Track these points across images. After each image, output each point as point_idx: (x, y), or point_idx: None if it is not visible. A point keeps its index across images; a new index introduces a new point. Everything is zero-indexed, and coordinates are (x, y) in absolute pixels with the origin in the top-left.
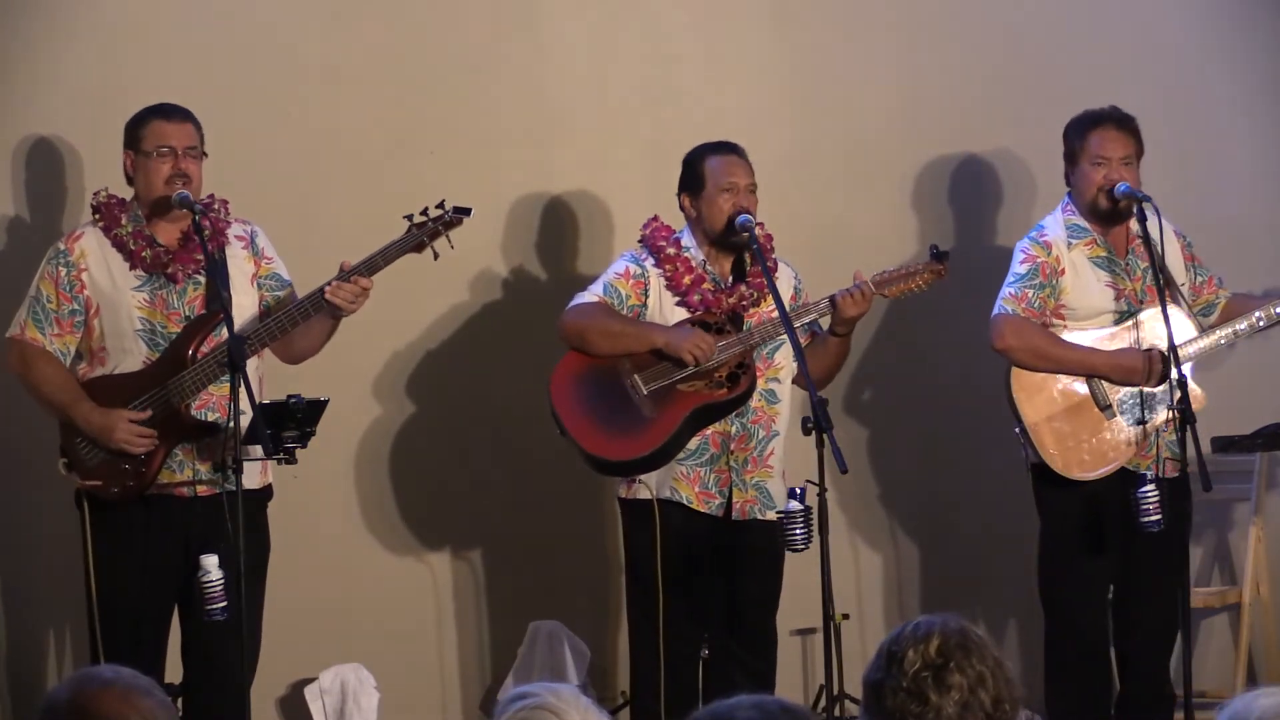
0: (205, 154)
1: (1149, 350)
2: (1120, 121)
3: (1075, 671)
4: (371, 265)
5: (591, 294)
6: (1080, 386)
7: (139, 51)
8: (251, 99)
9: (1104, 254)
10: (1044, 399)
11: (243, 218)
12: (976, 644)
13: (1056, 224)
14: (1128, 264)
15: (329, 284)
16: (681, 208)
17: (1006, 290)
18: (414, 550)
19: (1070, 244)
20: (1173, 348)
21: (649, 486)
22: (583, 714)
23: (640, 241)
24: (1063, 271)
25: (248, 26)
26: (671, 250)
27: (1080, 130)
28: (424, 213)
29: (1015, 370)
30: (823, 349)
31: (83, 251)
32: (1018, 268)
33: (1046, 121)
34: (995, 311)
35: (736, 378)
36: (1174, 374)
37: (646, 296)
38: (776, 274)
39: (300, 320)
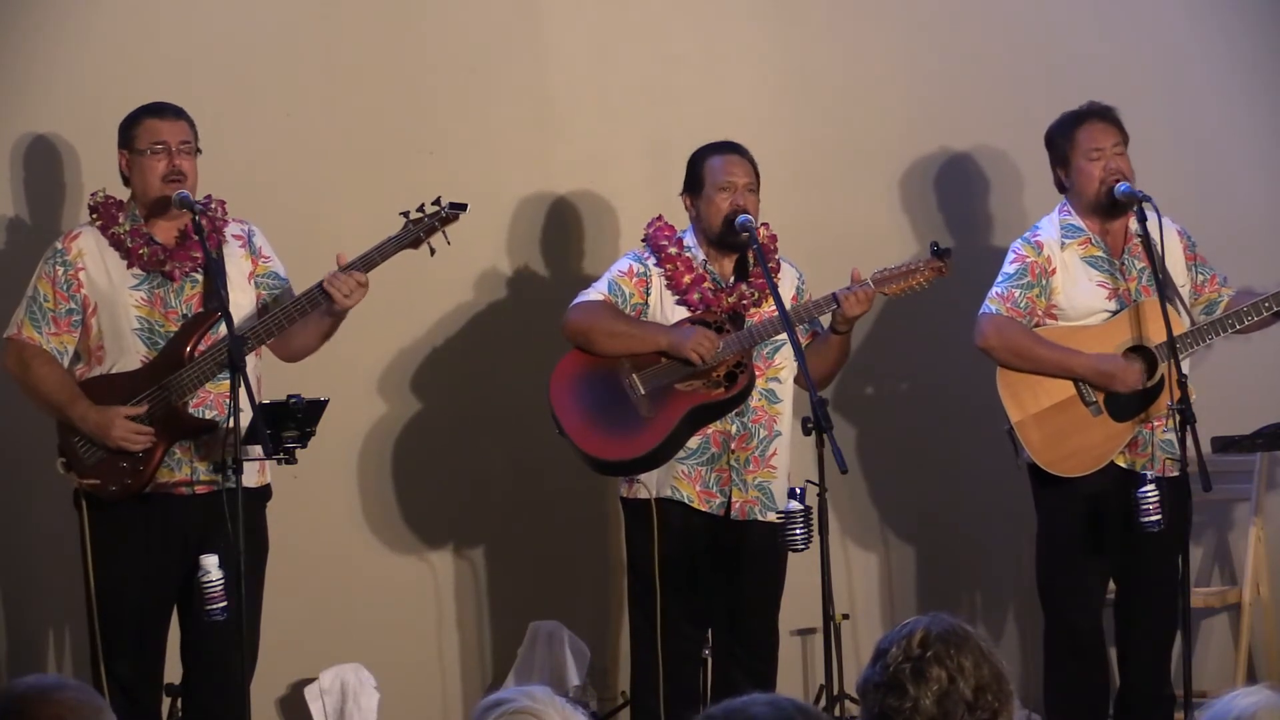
0: (199, 150)
1: (1128, 353)
2: (1101, 113)
3: (1072, 669)
4: (368, 261)
5: (596, 292)
6: (1066, 384)
7: (138, 51)
8: (251, 99)
9: (1098, 253)
10: (1030, 397)
11: (239, 217)
12: (961, 637)
13: (1051, 224)
14: (1123, 263)
15: (327, 277)
16: (685, 207)
17: (994, 290)
18: (414, 550)
19: (1064, 244)
20: (1173, 349)
21: (647, 486)
22: (560, 712)
23: (644, 240)
24: (1053, 271)
25: (248, 26)
26: (673, 249)
27: (1066, 130)
28: (420, 209)
29: (1002, 369)
30: (824, 347)
31: (80, 250)
32: (1007, 267)
33: (1048, 121)
34: (981, 310)
35: (734, 377)
36: (1174, 373)
37: (648, 295)
38: (779, 274)
39: (298, 316)
